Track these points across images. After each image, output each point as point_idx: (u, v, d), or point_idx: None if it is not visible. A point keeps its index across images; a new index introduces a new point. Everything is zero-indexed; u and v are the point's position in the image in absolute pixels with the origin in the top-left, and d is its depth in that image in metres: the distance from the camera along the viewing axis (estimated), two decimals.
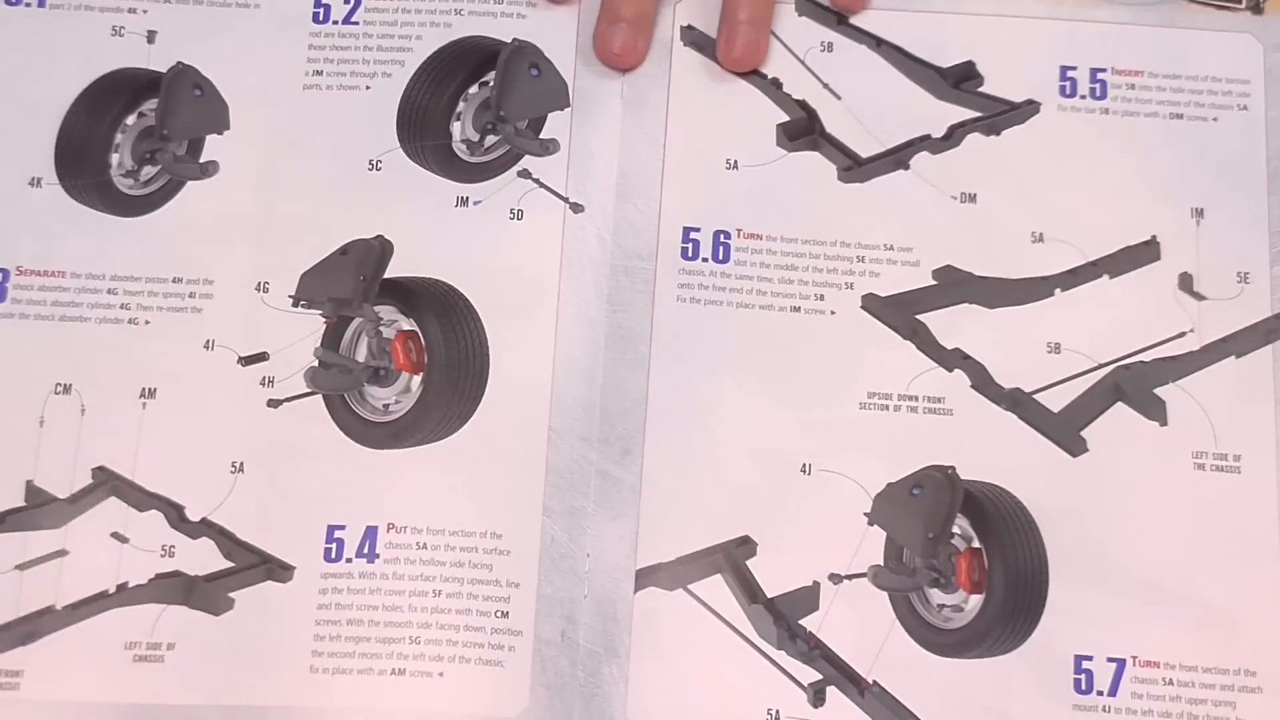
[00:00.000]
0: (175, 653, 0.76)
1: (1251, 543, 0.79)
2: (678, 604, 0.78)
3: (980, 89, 0.87)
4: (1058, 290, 0.83)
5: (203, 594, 0.77)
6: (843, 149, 0.85)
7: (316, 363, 0.81)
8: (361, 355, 0.82)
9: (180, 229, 0.83)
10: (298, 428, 0.80)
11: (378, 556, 0.78)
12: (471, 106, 0.86)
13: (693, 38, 0.87)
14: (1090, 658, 0.77)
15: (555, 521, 0.79)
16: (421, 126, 0.85)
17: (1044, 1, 0.88)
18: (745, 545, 0.79)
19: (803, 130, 0.86)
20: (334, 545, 0.78)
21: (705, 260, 0.83)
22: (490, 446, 0.80)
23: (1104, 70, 0.87)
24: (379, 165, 0.84)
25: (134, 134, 0.85)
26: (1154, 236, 0.84)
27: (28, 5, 0.86)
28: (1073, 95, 0.87)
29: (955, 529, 0.79)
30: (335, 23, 0.87)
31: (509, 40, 0.87)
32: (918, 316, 0.82)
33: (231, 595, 0.77)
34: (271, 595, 0.77)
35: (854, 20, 0.88)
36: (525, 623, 0.78)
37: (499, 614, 0.78)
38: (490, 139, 0.86)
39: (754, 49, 0.86)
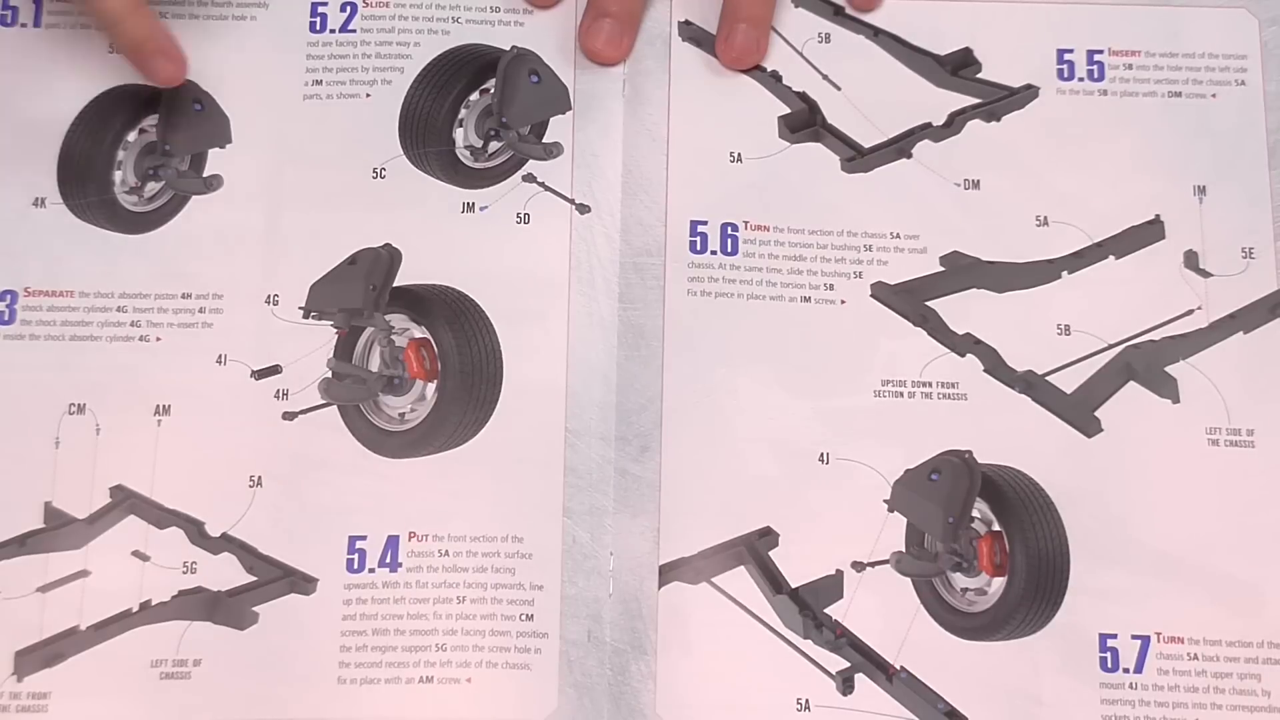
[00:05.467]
0: (201, 669, 0.76)
1: (1269, 516, 0.79)
2: (702, 598, 0.78)
3: (978, 75, 0.87)
4: (1065, 273, 0.83)
5: (226, 609, 0.77)
6: (845, 139, 0.86)
7: (330, 374, 0.81)
8: (375, 365, 0.82)
9: (187, 244, 0.83)
10: (314, 439, 0.80)
11: (400, 565, 0.78)
12: (473, 113, 0.86)
13: (690, 33, 0.88)
14: (1115, 636, 0.78)
15: (576, 522, 0.79)
16: (424, 133, 0.85)
17: None
18: (767, 536, 0.79)
19: (804, 122, 0.86)
20: (356, 556, 0.78)
21: (714, 253, 0.83)
22: (508, 450, 0.80)
23: (1101, 51, 0.87)
24: (383, 173, 0.84)
25: (136, 150, 0.84)
26: (1158, 215, 0.84)
27: (24, 25, 0.86)
28: (1071, 78, 0.87)
29: (975, 513, 0.79)
30: (333, 31, 0.87)
31: (508, 47, 0.87)
32: (927, 303, 0.83)
33: (255, 609, 0.77)
34: (296, 608, 0.77)
35: (850, 10, 0.88)
36: (551, 624, 0.78)
37: (524, 617, 0.78)
38: (494, 145, 0.85)
39: (753, 48, 0.86)
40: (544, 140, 0.86)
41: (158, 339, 0.81)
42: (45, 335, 0.81)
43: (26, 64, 0.85)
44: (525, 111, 0.86)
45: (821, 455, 0.80)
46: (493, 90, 0.87)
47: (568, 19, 0.88)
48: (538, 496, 0.79)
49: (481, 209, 0.84)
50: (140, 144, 0.85)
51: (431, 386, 0.82)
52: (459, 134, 0.86)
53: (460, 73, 0.87)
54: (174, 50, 0.83)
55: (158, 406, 0.80)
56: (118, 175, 0.84)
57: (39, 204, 0.83)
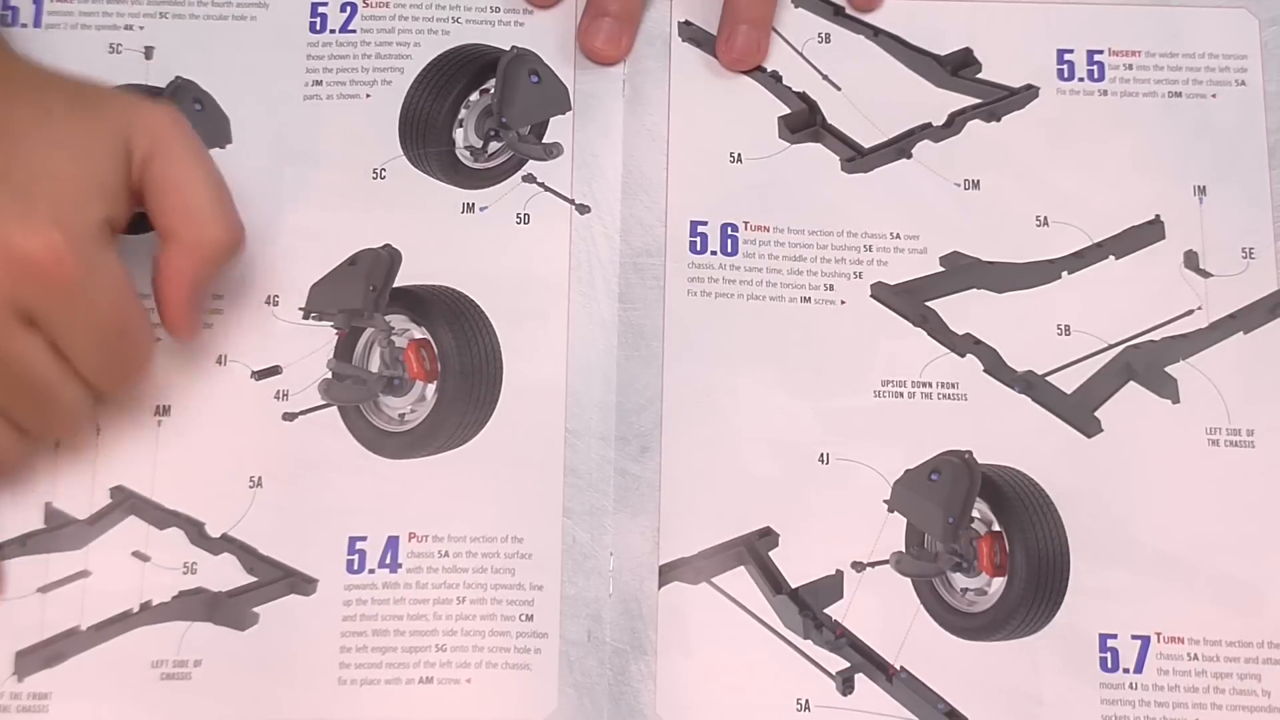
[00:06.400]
0: (202, 669, 0.76)
1: (1270, 516, 0.80)
2: (702, 598, 0.78)
3: (978, 75, 0.87)
4: (1065, 273, 0.83)
5: (226, 610, 0.77)
6: (845, 139, 0.86)
7: (330, 375, 0.81)
8: (375, 365, 0.82)
9: None
10: (314, 440, 0.80)
11: (400, 566, 0.78)
12: (473, 113, 0.86)
13: (690, 33, 0.88)
14: (1115, 636, 0.78)
15: (576, 522, 0.79)
16: (424, 134, 0.85)
17: None
18: (767, 537, 0.79)
19: (804, 122, 0.86)
20: (356, 556, 0.78)
21: (714, 253, 0.83)
22: (508, 451, 0.80)
23: (1101, 52, 0.88)
24: (383, 174, 0.84)
25: None
26: (1158, 216, 0.84)
27: (24, 26, 0.86)
28: (1071, 78, 0.87)
29: (975, 513, 0.79)
30: (333, 31, 0.87)
31: (508, 47, 0.87)
32: (927, 303, 0.83)
33: (256, 610, 0.77)
34: (296, 608, 0.77)
35: (850, 10, 0.89)
36: (550, 625, 0.78)
37: (524, 617, 0.78)
38: (493, 145, 0.85)
39: (753, 50, 0.86)
40: (544, 140, 0.86)
41: (157, 339, 0.80)
42: None
43: None
44: (525, 111, 0.86)
45: (821, 455, 0.80)
46: (493, 90, 0.87)
47: (568, 19, 0.88)
48: (537, 497, 0.79)
49: (481, 209, 0.84)
50: None
51: (431, 387, 0.82)
52: (459, 134, 0.86)
53: (460, 73, 0.87)
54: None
55: (158, 407, 0.80)
56: None
57: None
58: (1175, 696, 0.77)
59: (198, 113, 0.84)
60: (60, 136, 0.70)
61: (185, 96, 0.85)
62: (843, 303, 0.82)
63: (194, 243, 0.73)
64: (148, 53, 0.86)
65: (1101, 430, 0.81)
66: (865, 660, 0.77)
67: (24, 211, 0.67)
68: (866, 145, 0.86)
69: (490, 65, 0.87)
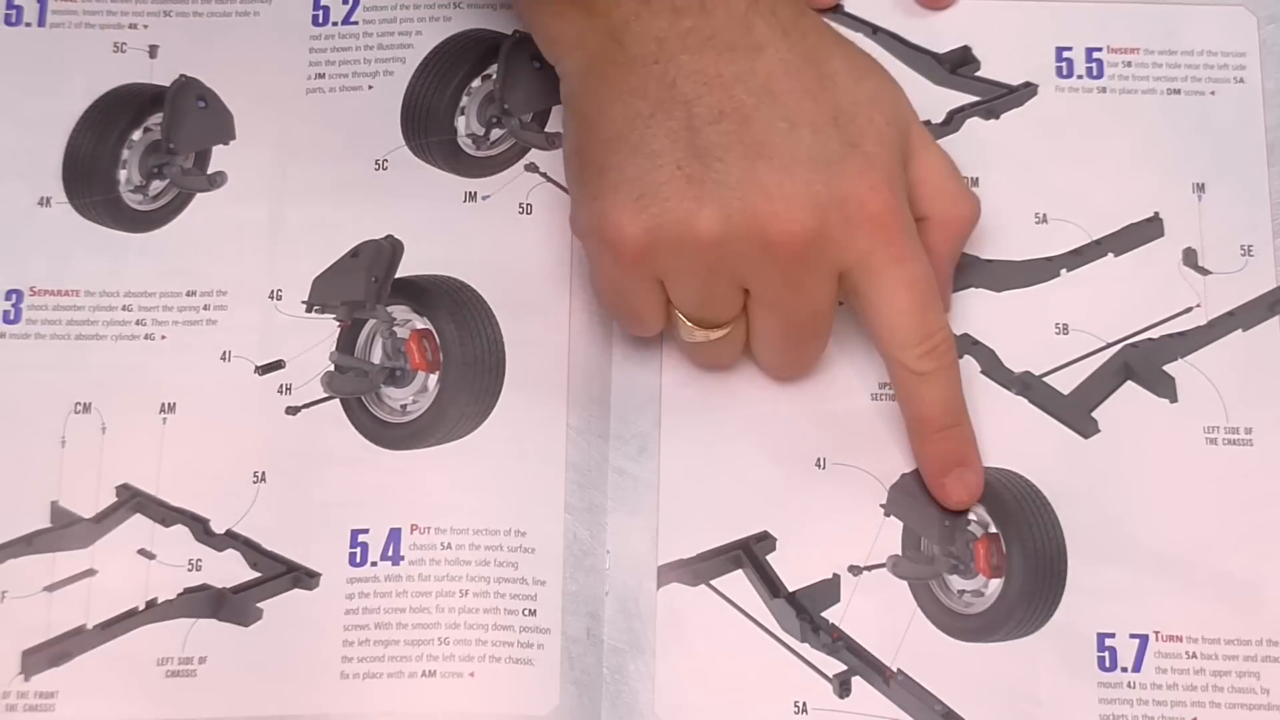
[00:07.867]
0: (207, 666, 0.77)
1: (1268, 514, 0.80)
2: (701, 599, 0.78)
3: (977, 73, 0.87)
4: (1063, 270, 0.84)
5: (231, 606, 0.77)
6: None
7: (333, 367, 0.81)
8: (377, 357, 0.82)
9: (191, 242, 0.83)
10: (317, 433, 0.80)
11: (402, 558, 0.78)
12: (475, 100, 0.86)
13: None
14: (1113, 635, 0.78)
15: (577, 518, 0.79)
16: (426, 123, 0.85)
17: None
18: (764, 540, 0.79)
19: None
20: (358, 549, 0.78)
21: None
22: (510, 443, 0.80)
23: (1099, 49, 0.87)
24: (385, 164, 0.84)
25: (140, 149, 0.85)
26: (1156, 213, 0.84)
27: (28, 25, 0.86)
28: (1069, 75, 0.87)
29: (971, 515, 0.80)
30: (335, 24, 0.87)
31: (510, 32, 0.87)
32: None
33: (260, 605, 0.78)
34: (299, 603, 0.78)
35: (848, 7, 0.88)
36: (553, 620, 0.78)
37: (527, 612, 0.78)
38: (496, 133, 0.86)
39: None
40: (546, 129, 0.86)
41: (163, 337, 0.81)
42: (51, 334, 0.81)
43: (31, 63, 0.85)
44: (527, 98, 0.86)
45: (818, 460, 0.80)
46: (494, 76, 0.87)
47: None
48: (540, 491, 0.80)
49: (484, 198, 0.84)
50: (145, 142, 0.85)
51: (434, 378, 0.82)
52: (460, 122, 0.86)
53: (462, 59, 0.87)
54: None
55: (163, 404, 0.80)
56: (123, 174, 0.84)
57: (44, 203, 0.83)
58: (1174, 695, 0.77)
59: (201, 110, 0.85)
60: (875, 97, 0.74)
61: (189, 95, 0.85)
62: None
63: (950, 219, 0.78)
64: (152, 51, 0.86)
65: (1099, 431, 0.81)
66: (862, 663, 0.77)
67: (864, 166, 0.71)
68: None
69: (492, 51, 0.87)
